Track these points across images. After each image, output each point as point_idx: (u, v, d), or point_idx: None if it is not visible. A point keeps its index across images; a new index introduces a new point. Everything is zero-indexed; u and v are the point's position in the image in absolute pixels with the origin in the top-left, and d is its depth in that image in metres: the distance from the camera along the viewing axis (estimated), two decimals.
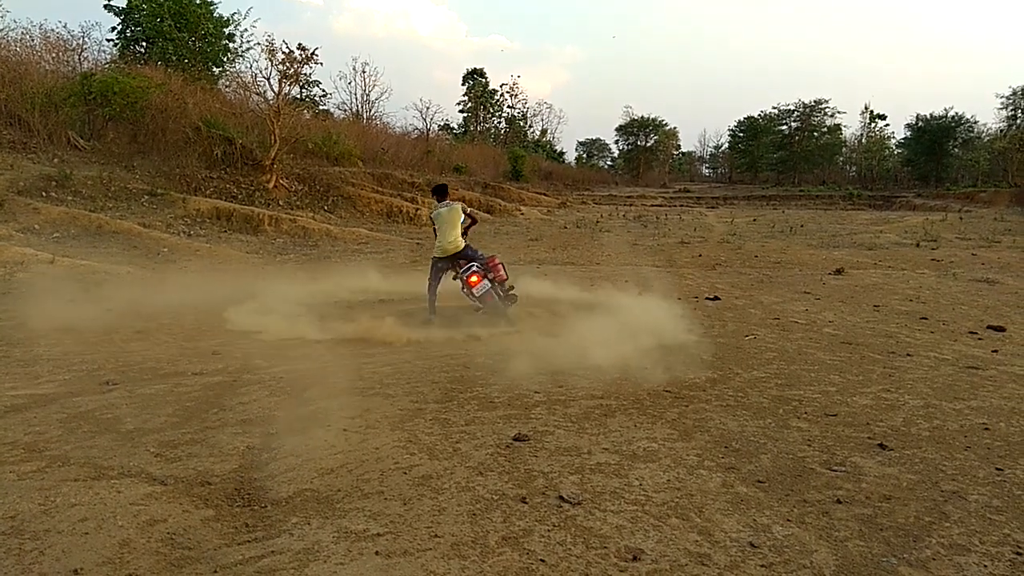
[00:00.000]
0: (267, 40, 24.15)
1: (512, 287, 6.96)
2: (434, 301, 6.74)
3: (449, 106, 63.71)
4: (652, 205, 30.94)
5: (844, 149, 44.98)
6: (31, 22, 28.72)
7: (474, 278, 6.49)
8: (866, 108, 43.75)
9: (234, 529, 2.57)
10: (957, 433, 3.80)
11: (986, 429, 3.87)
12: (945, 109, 38.01)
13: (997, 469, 3.30)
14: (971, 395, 4.54)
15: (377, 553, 2.42)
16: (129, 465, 3.13)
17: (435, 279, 6.74)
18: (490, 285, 6.55)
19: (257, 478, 3.03)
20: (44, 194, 11.89)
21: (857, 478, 3.17)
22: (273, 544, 2.47)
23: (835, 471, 3.24)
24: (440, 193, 7.02)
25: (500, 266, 6.80)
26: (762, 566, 2.40)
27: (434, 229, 6.83)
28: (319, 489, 2.93)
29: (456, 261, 6.73)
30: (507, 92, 45.67)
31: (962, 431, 3.84)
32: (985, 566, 2.44)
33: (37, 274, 8.39)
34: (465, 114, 44.59)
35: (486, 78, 44.21)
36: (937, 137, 37.48)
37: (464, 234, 6.81)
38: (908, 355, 5.65)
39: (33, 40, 16.65)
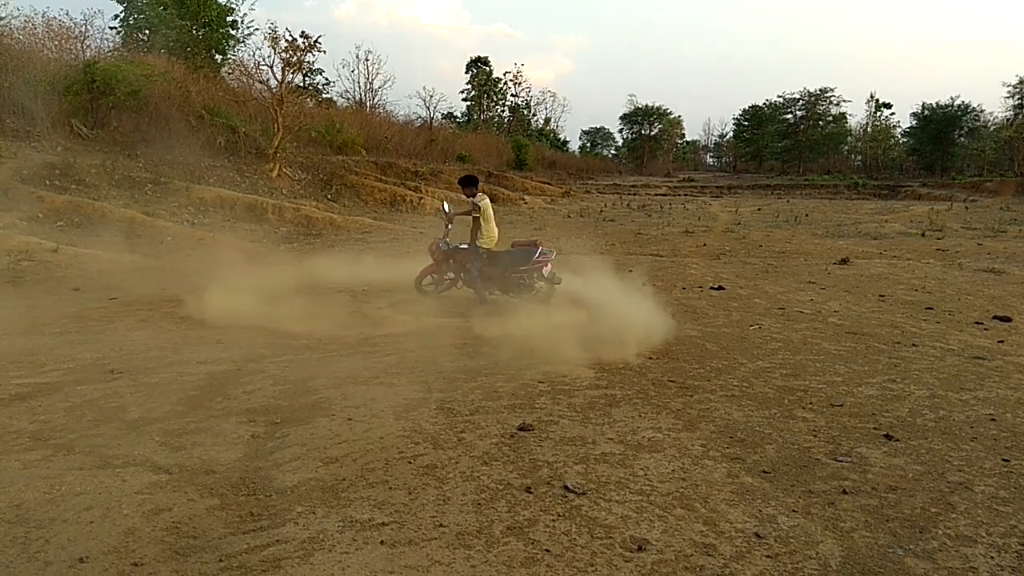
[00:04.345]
0: (270, 28, 23.96)
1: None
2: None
3: (453, 95, 63.48)
4: (656, 194, 30.83)
5: (849, 138, 44.61)
6: (34, 10, 28.55)
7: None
8: (872, 97, 43.34)
9: (239, 518, 2.58)
10: (963, 424, 3.79)
11: (992, 420, 3.85)
12: (951, 98, 37.65)
13: (1004, 460, 3.28)
14: (977, 386, 4.52)
15: (382, 542, 2.42)
16: (134, 454, 3.14)
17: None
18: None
19: (262, 467, 3.04)
20: (47, 183, 11.86)
21: (863, 469, 3.16)
22: (278, 533, 2.47)
23: (841, 461, 3.23)
24: (473, 184, 7.02)
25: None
26: (768, 557, 2.39)
27: (478, 219, 6.85)
28: (324, 478, 2.93)
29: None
30: (511, 80, 45.34)
31: (968, 422, 3.82)
32: (992, 557, 2.43)
33: (41, 263, 8.40)
34: (468, 103, 44.29)
35: (490, 66, 43.89)
36: (943, 126, 37.11)
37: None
38: (914, 345, 5.62)
39: (36, 28, 16.50)
